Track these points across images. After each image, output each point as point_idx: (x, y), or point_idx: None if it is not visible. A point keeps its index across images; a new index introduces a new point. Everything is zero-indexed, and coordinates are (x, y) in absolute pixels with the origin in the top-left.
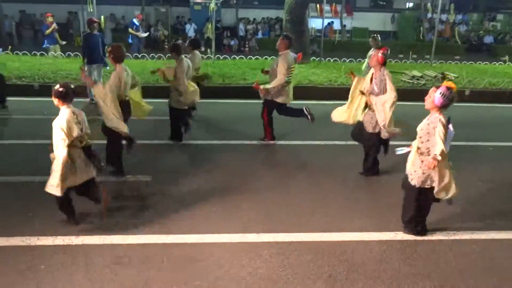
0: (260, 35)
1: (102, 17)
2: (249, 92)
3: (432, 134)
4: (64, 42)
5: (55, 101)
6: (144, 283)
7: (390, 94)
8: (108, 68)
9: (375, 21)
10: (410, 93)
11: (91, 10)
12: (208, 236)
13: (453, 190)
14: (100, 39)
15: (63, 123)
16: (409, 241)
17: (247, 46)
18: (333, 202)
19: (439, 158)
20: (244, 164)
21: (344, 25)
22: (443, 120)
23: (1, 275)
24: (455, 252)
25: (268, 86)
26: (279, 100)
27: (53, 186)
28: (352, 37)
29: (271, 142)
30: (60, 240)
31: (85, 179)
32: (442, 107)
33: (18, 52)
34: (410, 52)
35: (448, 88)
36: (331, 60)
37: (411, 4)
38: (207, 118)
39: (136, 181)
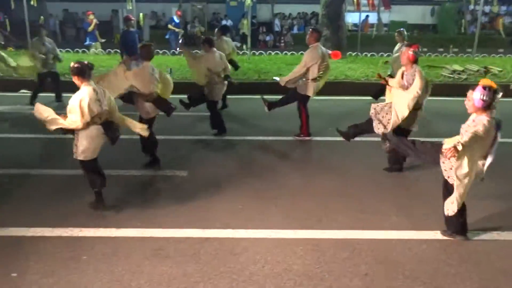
0: (295, 30)
1: (141, 14)
2: (284, 88)
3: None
4: (103, 40)
5: (75, 79)
6: (182, 276)
7: (414, 88)
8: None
9: (414, 14)
10: (451, 88)
11: (131, 8)
12: (243, 231)
13: (456, 205)
14: (137, 36)
15: (84, 101)
16: (449, 240)
17: (282, 41)
18: (369, 199)
19: (460, 147)
20: (280, 160)
21: (379, 19)
22: (486, 124)
23: (46, 263)
24: (498, 253)
25: (285, 77)
26: (309, 93)
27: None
28: (390, 31)
29: (307, 138)
30: (101, 232)
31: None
32: (486, 108)
33: (61, 49)
34: (451, 46)
35: (485, 87)
36: (368, 55)
37: None
38: (242, 114)
39: (173, 175)
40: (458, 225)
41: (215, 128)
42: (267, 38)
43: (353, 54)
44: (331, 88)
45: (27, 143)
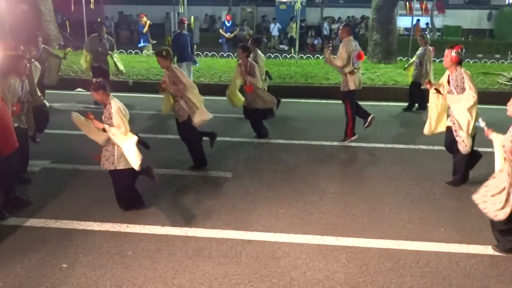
0: None
1: (192, 17)
2: (331, 92)
3: None
4: (154, 41)
5: (99, 95)
6: (223, 277)
7: (469, 94)
8: (197, 65)
9: (469, 18)
10: (508, 96)
11: (182, 11)
12: (285, 236)
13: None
14: (189, 38)
15: (121, 112)
16: (501, 256)
17: (330, 45)
18: (417, 208)
19: None
20: (325, 165)
21: (427, 23)
22: None
23: (94, 257)
24: None
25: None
26: (352, 87)
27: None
28: (444, 35)
29: (353, 138)
30: (146, 229)
31: None
32: None
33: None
34: (509, 52)
35: None
36: None
37: (511, 1)
38: (288, 117)
39: (218, 176)
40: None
41: (256, 132)
42: (315, 41)
43: (404, 59)
44: (380, 93)
45: (78, 139)
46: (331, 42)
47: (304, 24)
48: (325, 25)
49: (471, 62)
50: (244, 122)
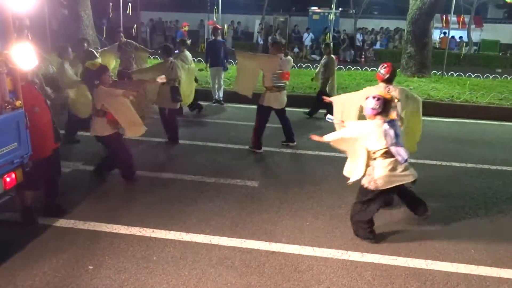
0: (378, 46)
1: (226, 25)
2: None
3: None
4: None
5: None
6: (245, 287)
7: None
8: (229, 71)
9: (509, 33)
10: None
11: (216, 19)
12: (309, 249)
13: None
14: (223, 45)
15: None
16: None
17: (363, 56)
18: (449, 228)
19: None
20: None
21: (460, 37)
22: None
23: (119, 260)
24: None
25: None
26: (265, 103)
27: None
28: (480, 50)
29: (258, 150)
30: (172, 235)
31: None
32: None
33: (149, 56)
34: None
35: None
36: (455, 75)
37: None
38: (319, 128)
39: (244, 185)
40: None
41: (285, 135)
42: (348, 53)
43: (438, 73)
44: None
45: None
46: (364, 54)
47: (337, 35)
48: (358, 35)
49: (509, 78)
50: (273, 131)
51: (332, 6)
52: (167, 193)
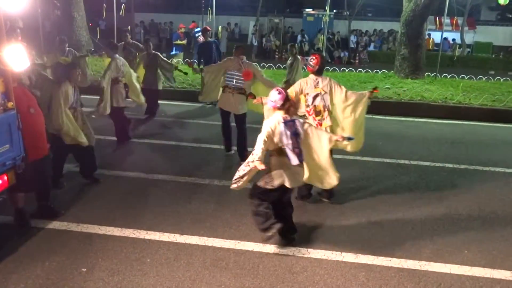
0: (372, 48)
1: (220, 27)
2: None
3: None
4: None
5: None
6: None
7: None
8: None
9: (502, 35)
10: None
11: (210, 20)
12: (303, 250)
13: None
14: (214, 46)
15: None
16: None
17: (357, 58)
18: (441, 229)
19: None
20: (347, 180)
21: (453, 39)
22: None
23: (113, 262)
24: None
25: None
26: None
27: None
28: (473, 52)
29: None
30: (165, 237)
31: None
32: None
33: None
34: None
35: None
36: (448, 77)
37: None
38: None
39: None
40: None
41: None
42: (342, 54)
43: (432, 75)
44: (406, 108)
45: (105, 144)
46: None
47: (331, 36)
48: (352, 37)
49: (501, 79)
50: None
51: (326, 8)
52: (161, 195)
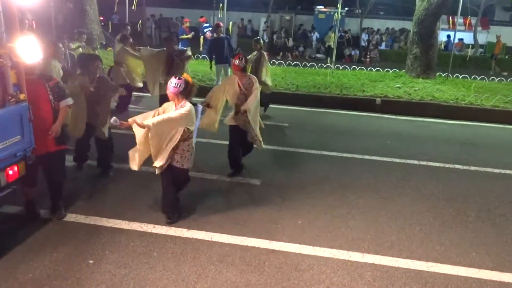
0: (383, 46)
1: (230, 22)
2: (366, 104)
3: None
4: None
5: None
6: (245, 285)
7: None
8: None
9: None
10: None
11: (221, 16)
12: (310, 248)
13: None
14: (226, 42)
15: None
16: None
17: (368, 56)
18: (449, 230)
19: None
20: (355, 178)
21: (460, 39)
22: None
23: (120, 255)
24: None
25: None
26: None
27: None
28: (486, 52)
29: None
30: (172, 231)
31: None
32: None
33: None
34: None
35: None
36: (460, 77)
37: None
38: (321, 127)
39: (246, 183)
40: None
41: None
42: (353, 52)
43: (443, 75)
44: (417, 108)
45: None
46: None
47: (343, 34)
48: (364, 36)
49: None
50: (279, 129)
51: (338, 5)
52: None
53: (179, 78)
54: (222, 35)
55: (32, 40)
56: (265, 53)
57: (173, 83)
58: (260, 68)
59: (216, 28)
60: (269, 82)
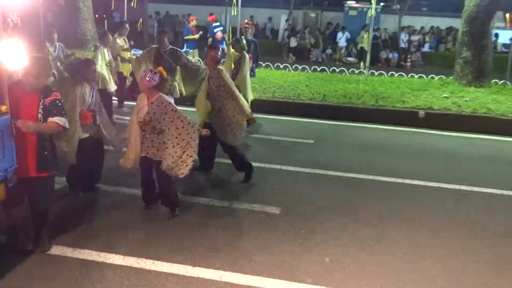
0: (426, 48)
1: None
2: (406, 118)
3: None
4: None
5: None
6: None
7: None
8: (254, 76)
9: None
10: None
11: (235, 13)
12: None
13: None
14: (253, 46)
15: None
16: None
17: (409, 60)
18: (508, 275)
19: None
20: (389, 205)
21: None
22: None
23: None
24: None
25: None
26: None
27: None
28: None
29: None
30: (175, 268)
31: None
32: None
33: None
34: None
35: None
36: None
37: None
38: (353, 145)
39: (263, 211)
40: None
41: None
42: (391, 55)
43: (500, 82)
44: (469, 123)
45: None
46: (410, 57)
47: (378, 34)
48: (403, 36)
49: None
50: (302, 147)
51: (372, 0)
52: (171, 218)
53: (155, 72)
54: (250, 37)
55: (17, 43)
56: (247, 55)
57: (147, 77)
58: (240, 72)
59: (245, 29)
60: (250, 97)
